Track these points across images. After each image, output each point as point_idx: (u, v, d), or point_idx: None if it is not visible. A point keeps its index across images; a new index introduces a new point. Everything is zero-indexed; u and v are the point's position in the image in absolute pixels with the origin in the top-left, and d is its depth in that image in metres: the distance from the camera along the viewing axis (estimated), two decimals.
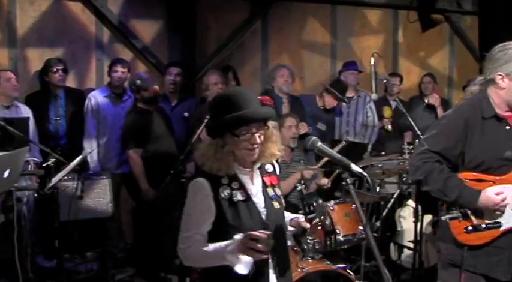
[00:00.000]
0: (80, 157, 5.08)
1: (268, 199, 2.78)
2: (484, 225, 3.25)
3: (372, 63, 4.98)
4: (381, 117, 7.19)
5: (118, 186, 6.28)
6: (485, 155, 3.26)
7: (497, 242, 3.28)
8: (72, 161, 4.99)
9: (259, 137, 2.65)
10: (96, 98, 6.40)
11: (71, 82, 6.85)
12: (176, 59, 7.34)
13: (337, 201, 4.82)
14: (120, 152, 6.30)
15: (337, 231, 4.63)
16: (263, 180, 2.82)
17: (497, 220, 3.25)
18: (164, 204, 5.74)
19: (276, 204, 2.80)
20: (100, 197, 5.60)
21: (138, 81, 5.93)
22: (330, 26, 8.63)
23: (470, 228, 3.26)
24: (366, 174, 2.51)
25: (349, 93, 7.36)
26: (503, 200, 3.19)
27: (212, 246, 2.61)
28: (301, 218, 2.88)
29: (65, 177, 5.15)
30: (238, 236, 2.51)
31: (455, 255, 3.33)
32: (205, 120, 5.00)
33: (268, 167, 2.87)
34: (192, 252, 2.66)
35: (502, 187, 3.25)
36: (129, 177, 6.13)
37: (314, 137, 2.63)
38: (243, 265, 2.52)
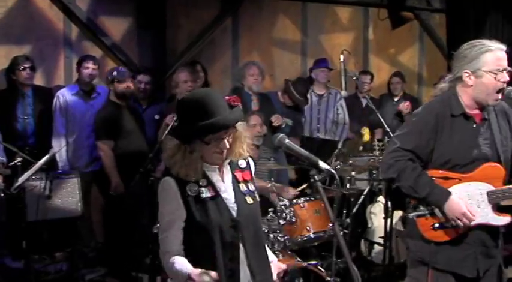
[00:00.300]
0: (47, 156, 5.01)
1: (239, 194, 2.77)
2: (450, 223, 3.28)
3: (342, 60, 4.99)
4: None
5: (88, 184, 6.22)
6: (452, 153, 3.29)
7: (464, 238, 3.31)
8: (40, 160, 4.93)
9: (227, 140, 2.66)
10: (65, 95, 6.31)
11: (38, 80, 6.73)
12: (146, 56, 7.30)
13: (307, 198, 4.84)
14: (90, 150, 6.25)
15: (308, 228, 4.65)
16: (234, 176, 2.81)
17: None
18: (134, 202, 5.71)
19: (249, 200, 2.79)
20: (69, 196, 5.54)
21: (115, 73, 5.97)
22: (301, 24, 8.65)
23: (436, 225, 3.30)
24: (333, 171, 2.51)
25: (320, 91, 7.41)
26: (465, 215, 3.22)
27: (179, 266, 2.60)
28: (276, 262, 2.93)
29: (33, 177, 5.08)
30: (194, 270, 2.52)
31: (423, 252, 3.36)
32: (175, 119, 5.00)
33: (241, 163, 2.85)
34: (165, 263, 2.67)
35: (467, 184, 3.28)
36: (99, 175, 6.09)
37: (282, 134, 2.63)
38: None
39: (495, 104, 3.30)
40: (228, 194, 2.75)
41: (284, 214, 4.63)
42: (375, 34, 9.15)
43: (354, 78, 5.13)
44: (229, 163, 2.81)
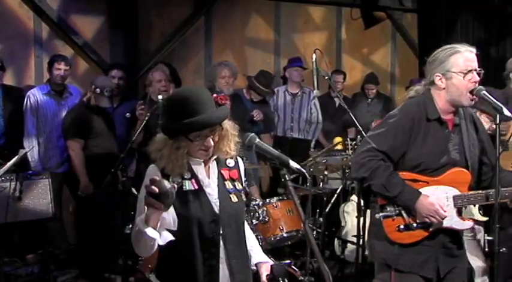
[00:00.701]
0: (16, 157, 4.93)
1: (224, 191, 2.77)
2: (415, 225, 3.31)
3: (314, 59, 4.98)
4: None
5: (59, 185, 6.16)
6: (424, 157, 3.31)
7: (426, 241, 3.34)
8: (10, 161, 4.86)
9: (212, 139, 2.66)
10: (36, 95, 6.22)
11: (9, 80, 6.65)
12: (118, 56, 7.24)
13: (280, 197, 4.84)
14: (61, 151, 6.20)
15: (281, 228, 4.65)
16: (221, 173, 2.81)
17: (427, 220, 3.30)
18: (106, 203, 5.66)
19: (234, 198, 2.78)
20: (40, 197, 5.44)
21: (108, 91, 5.94)
22: (274, 23, 8.66)
23: (402, 226, 3.32)
24: (304, 171, 2.49)
25: (294, 90, 7.43)
26: (437, 211, 3.24)
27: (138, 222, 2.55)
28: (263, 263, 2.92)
29: (3, 178, 5.00)
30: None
31: (387, 253, 3.37)
32: (146, 118, 4.98)
33: (230, 162, 2.86)
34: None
35: (435, 188, 3.31)
36: (70, 176, 6.03)
37: (252, 134, 2.61)
38: (151, 229, 2.44)
39: (470, 104, 3.32)
40: (211, 189, 2.75)
41: (257, 214, 4.63)
42: (348, 34, 9.19)
43: (326, 77, 5.11)
44: (216, 160, 2.81)
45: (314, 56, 5.03)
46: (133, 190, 4.95)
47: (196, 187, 2.71)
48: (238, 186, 2.84)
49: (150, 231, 2.42)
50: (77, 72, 7.12)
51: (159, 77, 6.11)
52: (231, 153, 2.78)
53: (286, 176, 2.53)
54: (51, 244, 6.09)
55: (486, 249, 3.34)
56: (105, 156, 5.78)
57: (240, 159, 2.92)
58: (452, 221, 3.33)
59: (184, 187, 2.68)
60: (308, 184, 2.78)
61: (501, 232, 3.38)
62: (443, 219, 3.25)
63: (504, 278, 5.41)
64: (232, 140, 2.76)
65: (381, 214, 3.35)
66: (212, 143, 2.66)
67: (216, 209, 2.72)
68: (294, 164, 2.50)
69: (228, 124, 2.75)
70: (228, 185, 2.80)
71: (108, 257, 5.82)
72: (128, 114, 6.36)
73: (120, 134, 6.20)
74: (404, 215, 3.32)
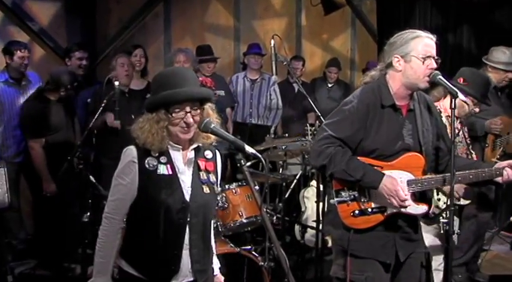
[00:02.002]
0: None
1: (197, 181, 2.78)
2: (370, 209, 3.34)
3: (272, 45, 4.99)
4: None
5: (17, 175, 6.03)
6: (379, 144, 3.33)
7: (383, 226, 3.37)
8: None
9: (193, 117, 2.65)
10: None
11: None
12: (75, 42, 7.09)
13: (239, 183, 4.83)
14: (19, 141, 6.04)
15: (240, 213, 4.65)
16: (197, 163, 2.81)
17: (382, 205, 3.34)
18: (64, 192, 5.58)
19: (206, 189, 2.80)
20: None
21: (65, 79, 5.70)
22: (233, 9, 8.62)
23: (357, 212, 3.35)
24: (259, 156, 2.49)
25: (253, 76, 7.43)
26: (398, 192, 3.25)
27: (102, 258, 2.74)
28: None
29: None
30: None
31: (343, 239, 3.40)
32: (103, 104, 4.91)
33: (208, 153, 2.87)
34: (101, 227, 2.77)
35: (389, 172, 3.32)
36: (27, 167, 5.91)
37: (207, 119, 2.61)
38: None
39: (426, 86, 3.35)
40: (185, 176, 2.77)
41: (216, 200, 4.61)
42: (308, 20, 9.21)
43: (285, 63, 5.12)
44: (196, 149, 2.80)
45: (272, 41, 5.04)
46: (92, 178, 4.91)
47: (171, 172, 2.73)
48: (212, 178, 2.85)
49: None
50: (33, 59, 6.95)
51: (122, 61, 6.00)
52: (211, 139, 2.78)
53: (242, 160, 2.53)
54: (8, 234, 5.99)
55: (441, 231, 3.38)
56: (65, 147, 5.65)
57: (218, 154, 2.93)
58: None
59: (158, 171, 2.70)
60: (265, 168, 2.76)
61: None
62: (402, 201, 3.26)
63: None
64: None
65: (335, 199, 3.36)
66: (191, 120, 2.64)
67: (187, 197, 2.74)
68: (249, 149, 2.51)
69: (210, 108, 2.74)
70: (203, 175, 2.81)
71: (67, 247, 5.75)
72: (89, 99, 6.28)
73: (82, 120, 6.07)
74: (359, 200, 3.34)
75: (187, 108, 2.63)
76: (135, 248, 2.78)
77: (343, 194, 3.36)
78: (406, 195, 3.27)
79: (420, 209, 3.39)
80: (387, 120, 3.35)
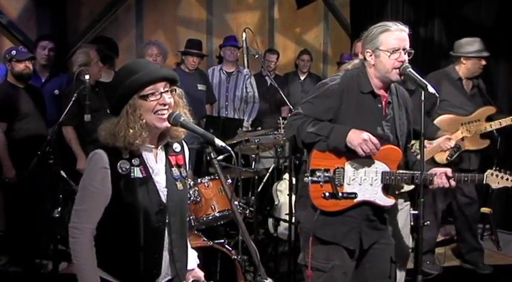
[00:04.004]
0: None
1: (171, 179, 2.70)
2: (341, 194, 3.36)
3: (244, 38, 4.98)
4: None
5: None
6: (358, 128, 3.32)
7: (350, 212, 3.41)
8: None
9: (169, 98, 2.55)
10: None
11: None
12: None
13: (211, 177, 4.82)
14: None
15: (213, 207, 4.64)
16: (168, 160, 2.73)
17: (353, 191, 3.37)
18: (34, 187, 5.51)
19: (180, 185, 2.72)
20: None
21: (14, 52, 5.65)
22: (206, 2, 8.60)
23: (327, 194, 3.35)
24: (229, 149, 2.48)
25: (229, 69, 7.42)
26: (367, 141, 3.25)
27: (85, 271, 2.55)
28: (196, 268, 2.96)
29: None
30: None
31: (310, 222, 3.43)
32: (73, 98, 4.86)
33: (176, 147, 2.78)
34: (76, 250, 2.56)
35: (368, 160, 3.37)
36: None
37: (177, 112, 2.57)
38: None
39: (399, 80, 3.38)
40: (160, 177, 2.67)
41: (189, 194, 4.59)
42: (281, 13, 9.21)
43: (256, 56, 5.12)
44: (165, 146, 2.73)
45: (244, 35, 5.03)
46: (63, 173, 4.85)
47: (145, 175, 2.61)
48: (184, 173, 2.79)
49: None
50: (1, 53, 6.86)
51: (97, 59, 5.93)
52: (182, 134, 2.70)
53: (212, 154, 2.51)
54: None
55: (411, 223, 3.42)
56: (33, 138, 5.57)
57: (185, 145, 2.86)
58: (376, 195, 3.41)
59: (132, 174, 2.57)
60: (235, 162, 2.74)
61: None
62: (377, 148, 3.27)
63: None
64: (185, 110, 2.67)
65: (309, 178, 3.36)
66: (168, 100, 2.53)
67: (164, 199, 2.65)
68: (219, 142, 2.48)
69: (178, 94, 2.65)
70: (175, 171, 2.74)
71: (38, 243, 5.68)
72: (56, 91, 6.20)
73: (49, 113, 5.99)
74: (333, 182, 3.35)
75: (161, 88, 2.53)
76: (112, 256, 2.62)
77: (318, 174, 3.36)
78: (377, 143, 3.27)
79: (388, 201, 3.43)
80: (366, 106, 3.40)
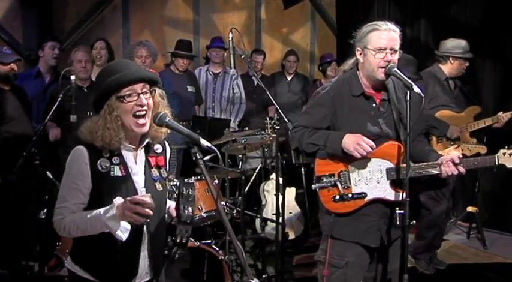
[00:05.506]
0: None
1: (150, 180, 2.71)
2: (350, 195, 3.42)
3: (230, 38, 4.99)
4: None
5: None
6: (351, 130, 3.37)
7: (364, 211, 3.44)
8: None
9: (146, 99, 2.55)
10: None
11: None
12: (32, 36, 6.99)
13: (198, 177, 4.80)
14: None
15: (200, 208, 4.62)
16: (148, 160, 2.74)
17: (362, 191, 3.41)
18: (20, 188, 5.47)
19: (159, 186, 2.73)
20: None
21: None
22: (193, 2, 8.61)
23: (337, 197, 3.43)
24: (215, 149, 2.48)
25: (216, 69, 7.39)
26: (360, 144, 3.27)
27: (90, 214, 2.49)
28: (172, 205, 2.85)
29: None
30: (118, 201, 2.41)
31: (326, 223, 3.51)
32: (59, 99, 4.83)
33: (158, 148, 2.79)
34: (68, 221, 2.54)
35: (368, 160, 3.40)
36: None
37: (162, 113, 2.57)
38: (122, 231, 2.45)
39: (383, 78, 3.38)
40: (138, 177, 2.68)
41: (175, 194, 4.57)
42: (268, 13, 9.23)
43: (243, 56, 5.12)
44: (146, 146, 2.73)
45: (231, 35, 5.04)
46: (49, 174, 4.83)
47: (124, 174, 2.62)
48: (164, 173, 2.80)
49: (119, 234, 2.45)
50: None
51: (80, 56, 5.89)
52: (163, 134, 2.70)
53: (197, 154, 2.51)
54: None
55: (398, 223, 3.42)
56: (19, 140, 5.52)
57: (167, 145, 2.87)
58: (385, 192, 3.42)
59: (112, 173, 2.59)
60: (220, 162, 2.74)
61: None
62: (372, 148, 3.29)
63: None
64: (166, 110, 2.67)
65: (317, 185, 3.46)
66: (145, 101, 2.54)
67: None
68: (205, 142, 2.48)
69: (159, 95, 2.66)
70: (155, 172, 2.75)
71: (24, 244, 5.64)
72: None
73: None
74: (339, 186, 3.42)
75: (139, 90, 2.53)
76: (90, 254, 2.64)
77: (323, 179, 3.47)
78: (368, 143, 3.28)
79: (399, 195, 3.41)
80: (359, 108, 3.44)
